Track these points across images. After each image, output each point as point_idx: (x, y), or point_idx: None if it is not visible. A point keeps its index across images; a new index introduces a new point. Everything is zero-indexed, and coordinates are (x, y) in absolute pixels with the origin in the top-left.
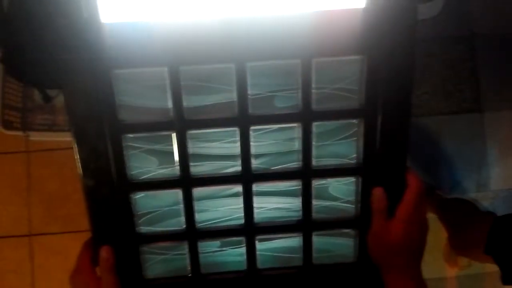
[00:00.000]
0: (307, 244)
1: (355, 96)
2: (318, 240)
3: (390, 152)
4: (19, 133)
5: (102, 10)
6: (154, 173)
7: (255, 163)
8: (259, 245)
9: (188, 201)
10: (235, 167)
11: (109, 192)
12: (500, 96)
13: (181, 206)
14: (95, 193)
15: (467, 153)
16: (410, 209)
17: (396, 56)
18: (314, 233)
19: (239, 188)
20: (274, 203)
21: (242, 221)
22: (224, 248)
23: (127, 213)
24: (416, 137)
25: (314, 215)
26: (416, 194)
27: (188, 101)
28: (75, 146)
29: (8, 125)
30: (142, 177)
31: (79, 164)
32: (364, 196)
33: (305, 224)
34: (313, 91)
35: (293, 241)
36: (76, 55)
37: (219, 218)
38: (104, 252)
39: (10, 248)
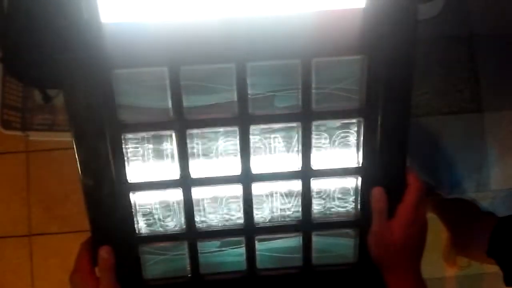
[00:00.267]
0: (307, 244)
1: (355, 96)
2: (318, 240)
3: (390, 152)
4: (19, 133)
5: (103, 10)
6: (153, 173)
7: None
8: (259, 245)
9: (188, 201)
10: (235, 167)
11: (109, 192)
12: (500, 96)
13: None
14: (95, 193)
15: (467, 153)
16: (410, 209)
17: (396, 56)
18: (314, 233)
19: (239, 188)
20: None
21: (242, 221)
22: (223, 248)
23: (127, 213)
24: (416, 137)
25: (314, 215)
26: (417, 194)
27: (188, 101)
28: (75, 146)
29: (8, 125)
30: (142, 177)
31: (79, 164)
32: (364, 196)
33: (305, 224)
34: (313, 91)
35: (293, 241)
36: (76, 55)
37: (219, 218)
38: (104, 252)
39: (9, 248)
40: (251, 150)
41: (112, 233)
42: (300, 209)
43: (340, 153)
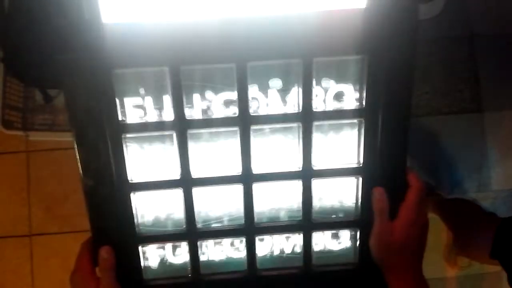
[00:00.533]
0: (307, 244)
1: (356, 96)
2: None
3: (390, 152)
4: (19, 133)
5: (103, 10)
6: (154, 173)
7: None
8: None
9: (188, 201)
10: (235, 167)
11: (109, 192)
12: (500, 96)
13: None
14: (95, 193)
15: (467, 153)
16: (412, 209)
17: (397, 56)
18: (314, 233)
19: (239, 188)
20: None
21: (242, 221)
22: (223, 248)
23: (127, 213)
24: (416, 137)
25: (314, 215)
26: (418, 195)
27: (188, 101)
28: (75, 146)
29: (9, 125)
30: (142, 177)
31: (79, 164)
32: (364, 196)
33: (305, 224)
34: (314, 91)
35: (293, 241)
36: (77, 55)
37: (219, 218)
38: (104, 252)
39: (10, 248)
40: (251, 150)
41: (113, 233)
42: (301, 209)
43: (341, 153)
